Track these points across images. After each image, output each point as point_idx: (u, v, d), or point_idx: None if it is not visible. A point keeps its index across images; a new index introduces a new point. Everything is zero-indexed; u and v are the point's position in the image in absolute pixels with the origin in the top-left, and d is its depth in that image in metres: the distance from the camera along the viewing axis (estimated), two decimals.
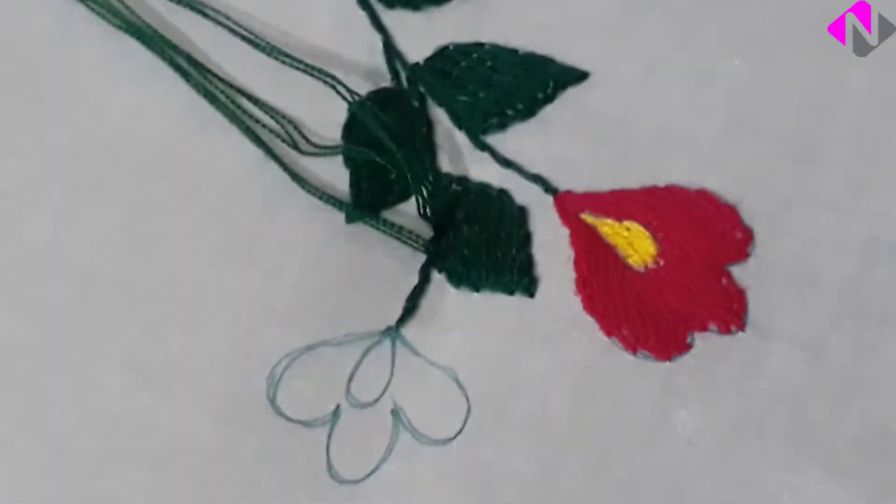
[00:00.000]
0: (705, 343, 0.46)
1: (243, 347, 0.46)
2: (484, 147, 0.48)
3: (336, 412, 0.45)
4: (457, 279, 0.46)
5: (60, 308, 0.46)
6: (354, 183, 0.48)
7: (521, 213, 0.48)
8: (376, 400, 0.45)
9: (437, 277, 0.47)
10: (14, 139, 0.49)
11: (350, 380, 0.45)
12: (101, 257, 0.47)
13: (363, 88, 0.49)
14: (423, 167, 0.47)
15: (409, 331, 0.46)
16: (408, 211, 0.47)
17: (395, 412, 0.45)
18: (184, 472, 0.44)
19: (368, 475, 0.44)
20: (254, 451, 0.44)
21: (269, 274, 0.47)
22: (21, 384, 0.46)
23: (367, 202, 0.48)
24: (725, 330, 0.46)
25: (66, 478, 0.44)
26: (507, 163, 0.48)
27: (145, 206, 0.48)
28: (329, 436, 0.44)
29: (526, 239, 0.47)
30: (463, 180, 0.48)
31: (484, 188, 0.48)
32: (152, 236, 0.47)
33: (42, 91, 0.49)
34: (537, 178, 0.48)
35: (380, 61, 0.50)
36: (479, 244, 0.47)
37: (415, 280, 0.46)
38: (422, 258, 0.46)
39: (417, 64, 0.50)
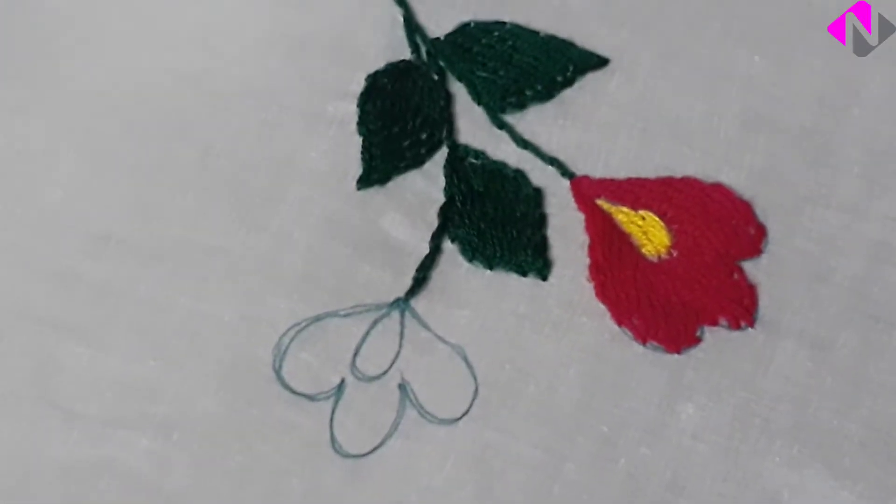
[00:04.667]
0: (714, 337, 0.45)
1: (250, 315, 0.45)
2: (502, 125, 0.48)
3: (341, 386, 0.44)
4: (470, 252, 0.46)
5: (70, 270, 0.46)
6: (366, 149, 0.47)
7: (537, 195, 0.47)
8: (383, 373, 0.44)
9: (450, 251, 0.46)
10: (29, 103, 0.48)
11: (356, 353, 0.44)
12: (111, 220, 0.46)
13: (383, 60, 0.48)
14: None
15: (418, 304, 0.45)
16: (417, 179, 0.47)
17: (403, 387, 0.44)
18: (186, 440, 0.44)
19: (373, 450, 0.43)
20: (257, 422, 0.44)
21: (279, 241, 0.46)
22: (30, 346, 0.45)
23: (378, 168, 0.47)
24: (735, 325, 0.45)
25: (71, 441, 0.44)
26: (524, 143, 0.48)
27: (157, 171, 0.47)
28: (333, 409, 0.44)
29: (541, 220, 0.47)
30: (481, 154, 0.47)
31: (500, 166, 0.47)
32: (163, 201, 0.47)
33: (59, 55, 0.49)
34: (554, 161, 0.48)
35: (400, 35, 0.49)
36: (494, 220, 0.46)
37: (425, 250, 0.46)
38: (433, 228, 0.46)
39: (438, 39, 0.49)
